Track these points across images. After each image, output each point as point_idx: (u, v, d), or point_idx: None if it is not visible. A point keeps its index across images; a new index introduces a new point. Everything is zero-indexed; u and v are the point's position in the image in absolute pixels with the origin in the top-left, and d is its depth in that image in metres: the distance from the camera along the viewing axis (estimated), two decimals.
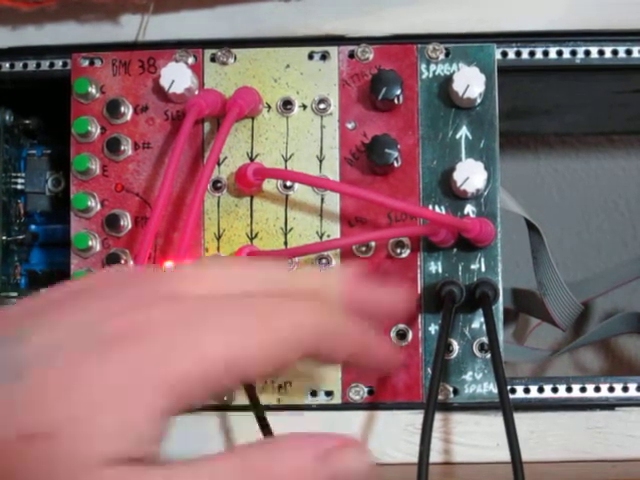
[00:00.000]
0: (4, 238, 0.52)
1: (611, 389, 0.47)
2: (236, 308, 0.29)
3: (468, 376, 0.46)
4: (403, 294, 0.35)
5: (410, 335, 0.46)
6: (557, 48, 0.48)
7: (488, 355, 0.46)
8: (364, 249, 0.46)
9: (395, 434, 0.46)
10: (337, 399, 0.46)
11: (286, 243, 0.47)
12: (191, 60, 0.48)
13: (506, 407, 0.42)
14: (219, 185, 0.47)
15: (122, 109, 0.48)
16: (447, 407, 0.46)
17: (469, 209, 0.46)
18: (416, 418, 0.45)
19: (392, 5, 0.48)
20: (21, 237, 0.53)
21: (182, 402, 0.27)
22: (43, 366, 0.26)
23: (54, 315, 0.28)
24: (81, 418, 0.26)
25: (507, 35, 0.48)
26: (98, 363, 0.27)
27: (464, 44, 0.47)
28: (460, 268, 0.46)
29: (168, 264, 0.32)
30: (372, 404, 0.47)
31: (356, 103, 0.47)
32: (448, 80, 0.46)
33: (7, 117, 0.53)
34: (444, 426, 0.46)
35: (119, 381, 0.26)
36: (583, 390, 0.47)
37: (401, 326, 0.46)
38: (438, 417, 0.46)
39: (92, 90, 0.48)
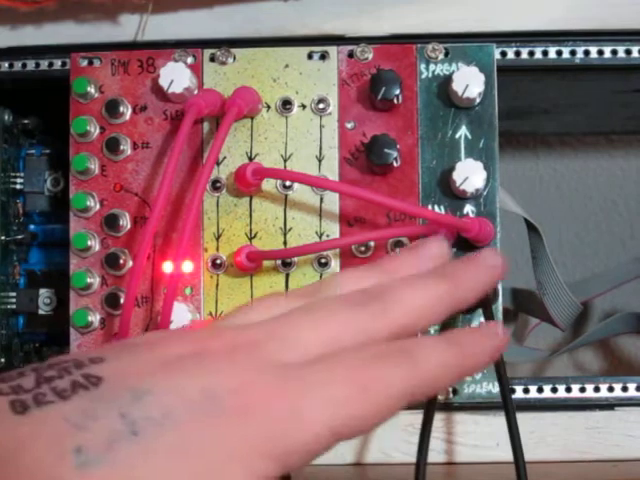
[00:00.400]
0: (3, 238, 0.52)
1: (610, 389, 0.47)
2: (335, 377, 0.30)
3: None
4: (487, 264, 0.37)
5: None
6: (556, 48, 0.48)
7: None
8: (363, 249, 0.46)
9: (395, 434, 0.46)
10: None
11: (285, 243, 0.47)
12: (190, 60, 0.48)
13: (509, 408, 0.42)
14: (218, 185, 0.47)
15: (121, 109, 0.48)
16: (447, 407, 0.46)
17: (468, 209, 0.46)
18: (416, 418, 0.45)
19: (391, 5, 0.48)
20: (20, 237, 0.53)
21: (286, 469, 0.29)
22: (162, 425, 0.27)
23: (167, 378, 0.29)
24: None
25: (506, 35, 0.48)
26: (206, 431, 0.28)
27: (463, 44, 0.47)
28: None
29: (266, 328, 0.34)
30: None
31: (355, 103, 0.47)
32: (447, 80, 0.46)
33: (6, 117, 0.53)
34: (444, 426, 0.46)
35: (225, 450, 0.28)
36: (582, 390, 0.47)
37: None
38: (438, 417, 0.46)
39: (91, 90, 0.48)
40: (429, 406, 0.44)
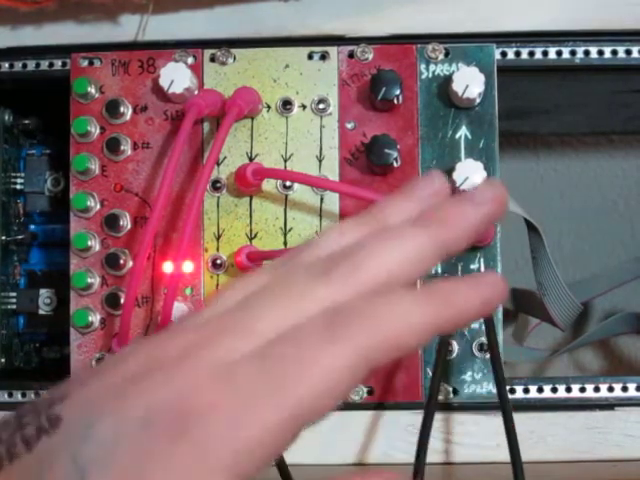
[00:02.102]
0: (3, 238, 0.52)
1: (610, 389, 0.47)
2: (286, 361, 0.27)
3: (467, 376, 0.46)
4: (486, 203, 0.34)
5: None
6: (556, 48, 0.48)
7: (487, 355, 0.46)
8: None
9: (395, 434, 0.46)
10: None
11: (285, 243, 0.47)
12: (190, 60, 0.48)
13: (506, 407, 0.42)
14: (218, 185, 0.47)
15: (121, 109, 0.48)
16: (447, 407, 0.46)
17: None
18: (416, 418, 0.45)
19: (391, 5, 0.48)
20: (20, 237, 0.53)
21: (247, 475, 0.27)
22: (104, 466, 0.26)
23: (111, 407, 0.27)
24: None
25: (506, 35, 0.48)
26: (145, 466, 0.26)
27: (463, 44, 0.47)
28: (460, 268, 0.46)
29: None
30: (372, 404, 0.47)
31: (356, 103, 0.47)
32: (447, 80, 0.46)
33: (7, 117, 0.53)
34: (444, 426, 0.46)
35: (183, 472, 0.26)
36: (582, 390, 0.47)
37: None
38: (438, 417, 0.46)
39: (91, 90, 0.48)
40: (429, 406, 0.44)
